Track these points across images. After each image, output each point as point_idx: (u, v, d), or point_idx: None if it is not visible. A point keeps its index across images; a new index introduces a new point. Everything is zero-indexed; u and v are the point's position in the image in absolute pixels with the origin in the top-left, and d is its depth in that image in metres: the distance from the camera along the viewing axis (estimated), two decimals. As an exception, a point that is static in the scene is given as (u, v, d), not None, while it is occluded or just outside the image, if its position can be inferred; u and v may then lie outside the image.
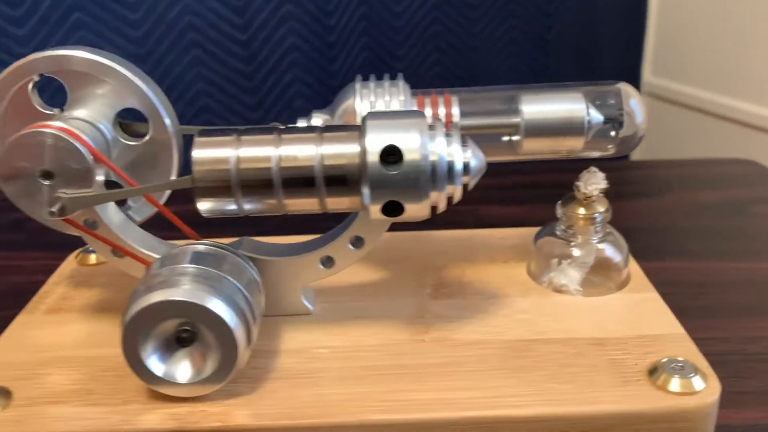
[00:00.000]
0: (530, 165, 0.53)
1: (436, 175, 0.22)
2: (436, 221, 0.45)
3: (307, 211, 0.24)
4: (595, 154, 0.29)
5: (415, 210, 0.23)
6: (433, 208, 0.23)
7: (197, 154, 0.22)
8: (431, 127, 0.23)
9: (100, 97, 0.26)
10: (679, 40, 0.86)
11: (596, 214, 0.29)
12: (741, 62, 0.79)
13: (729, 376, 0.29)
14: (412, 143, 0.22)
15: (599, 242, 0.29)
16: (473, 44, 0.73)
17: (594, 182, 0.29)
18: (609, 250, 0.29)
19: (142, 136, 0.27)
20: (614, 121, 0.28)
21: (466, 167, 0.23)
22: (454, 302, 0.28)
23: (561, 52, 0.77)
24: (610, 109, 0.28)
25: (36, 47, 0.57)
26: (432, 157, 0.22)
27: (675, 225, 0.43)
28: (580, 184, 0.29)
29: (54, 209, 0.24)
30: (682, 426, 0.22)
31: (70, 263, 0.33)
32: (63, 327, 0.28)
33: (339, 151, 0.22)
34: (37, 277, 0.39)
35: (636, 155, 0.92)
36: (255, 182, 0.22)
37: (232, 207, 0.23)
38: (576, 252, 0.29)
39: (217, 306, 0.22)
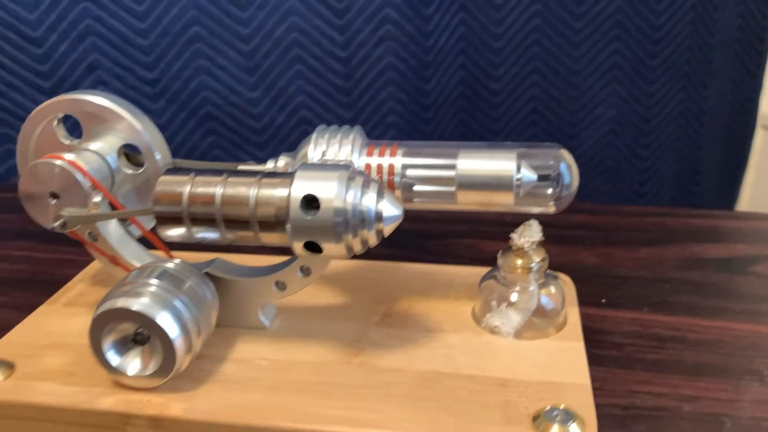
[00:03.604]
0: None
1: (348, 222, 0.26)
2: (433, 251, 0.48)
3: (247, 243, 0.28)
4: (535, 210, 0.31)
5: (332, 250, 0.26)
6: (353, 250, 0.27)
7: (158, 189, 0.27)
8: (351, 179, 0.26)
9: (108, 134, 0.32)
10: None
11: (532, 264, 0.31)
12: None
13: (651, 431, 0.30)
14: (329, 193, 0.26)
15: (536, 289, 0.32)
16: (574, 68, 0.72)
17: (528, 235, 0.31)
18: (544, 298, 0.32)
19: (143, 165, 0.32)
20: (549, 180, 0.30)
21: (379, 216, 0.26)
22: (393, 332, 0.32)
23: (667, 79, 0.74)
24: (547, 169, 0.30)
25: (158, 56, 0.65)
26: (347, 206, 0.26)
27: (665, 276, 0.44)
28: (515, 236, 0.31)
29: (57, 224, 0.29)
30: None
31: (96, 264, 0.39)
32: (72, 318, 0.34)
33: (270, 195, 0.27)
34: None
35: (747, 192, 0.88)
36: (201, 217, 0.27)
37: (185, 235, 0.28)
38: (514, 297, 0.32)
39: (164, 319, 0.26)
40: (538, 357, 0.30)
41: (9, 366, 0.30)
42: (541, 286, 0.32)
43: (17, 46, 0.61)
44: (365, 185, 0.26)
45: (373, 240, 0.27)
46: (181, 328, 0.27)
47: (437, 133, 0.75)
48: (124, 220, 0.33)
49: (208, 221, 0.27)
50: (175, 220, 0.27)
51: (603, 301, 0.41)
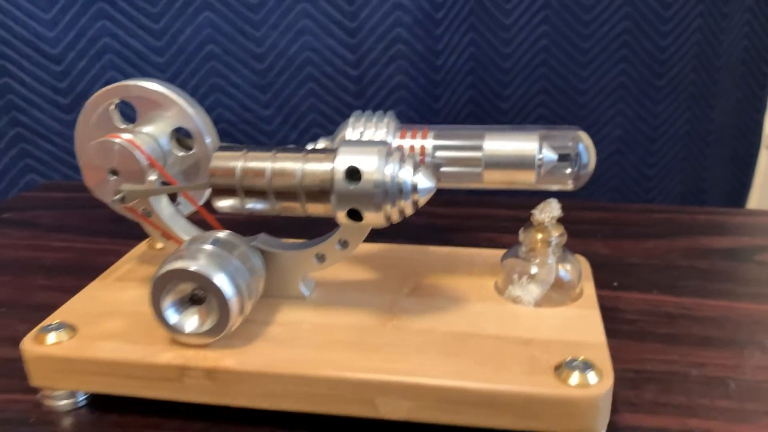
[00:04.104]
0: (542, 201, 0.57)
1: (387, 192, 0.29)
2: (456, 242, 0.51)
3: (294, 214, 0.31)
4: (555, 187, 0.34)
5: (372, 218, 0.29)
6: (391, 219, 0.30)
7: (214, 164, 0.30)
8: (389, 154, 0.29)
9: (161, 118, 0.35)
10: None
11: (551, 239, 0.34)
12: None
13: (662, 390, 0.33)
14: (370, 166, 0.29)
15: (554, 263, 0.34)
16: (581, 88, 0.74)
17: (548, 211, 0.34)
18: (561, 271, 0.34)
19: (192, 149, 0.35)
20: (568, 160, 0.33)
21: (415, 188, 0.29)
22: (422, 301, 0.34)
23: (673, 99, 0.76)
24: (566, 150, 0.33)
25: (174, 73, 0.67)
26: (386, 178, 0.29)
27: (673, 264, 0.46)
28: (536, 212, 0.34)
29: (117, 198, 0.32)
30: (571, 411, 0.27)
31: (141, 247, 0.42)
32: (124, 291, 0.36)
33: (316, 168, 0.29)
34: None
35: (751, 205, 0.89)
36: (253, 188, 0.30)
37: (237, 206, 0.31)
38: (534, 270, 0.34)
39: (221, 279, 0.29)
40: (558, 321, 0.32)
41: (72, 328, 0.32)
42: (559, 260, 0.35)
43: (37, 63, 0.64)
44: (402, 160, 0.29)
45: (409, 209, 0.29)
46: (235, 289, 0.29)
47: None
48: (173, 199, 0.36)
49: (259, 193, 0.30)
50: (229, 191, 0.30)
51: (615, 284, 0.43)
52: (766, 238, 0.51)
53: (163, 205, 0.34)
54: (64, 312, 0.34)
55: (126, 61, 0.66)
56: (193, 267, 0.29)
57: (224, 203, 0.31)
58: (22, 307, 0.42)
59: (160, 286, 0.30)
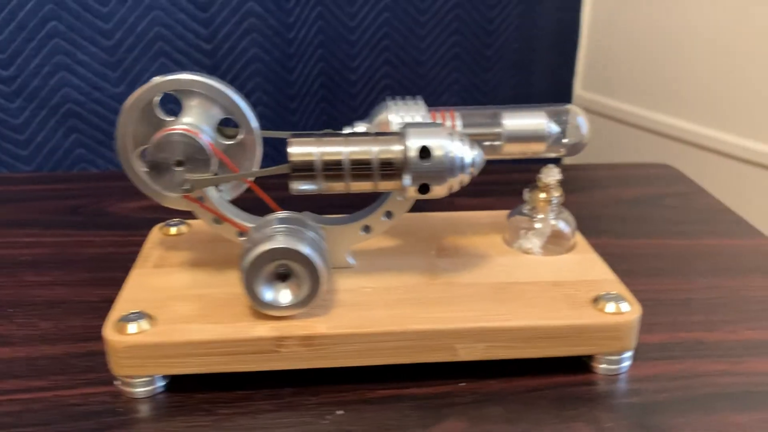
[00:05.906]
0: (493, 167, 0.64)
1: (453, 166, 0.33)
2: (422, 207, 0.56)
3: (364, 191, 0.34)
4: (552, 155, 0.40)
5: (437, 190, 0.34)
6: (452, 189, 0.34)
7: (293, 149, 0.33)
8: (451, 134, 0.34)
9: (206, 109, 0.36)
10: (608, 59, 0.99)
11: (553, 198, 0.41)
12: (662, 78, 0.93)
13: (646, 314, 0.41)
14: (439, 145, 0.33)
15: (554, 219, 0.41)
16: (420, 59, 0.80)
17: (551, 175, 0.40)
18: (561, 224, 0.41)
19: (234, 137, 0.37)
20: (566, 132, 0.40)
21: (473, 162, 0.34)
22: (453, 260, 0.40)
23: (500, 67, 0.85)
24: (564, 123, 0.40)
25: (13, 53, 0.63)
26: (452, 155, 0.33)
27: (601, 213, 0.56)
28: (541, 176, 0.40)
29: (185, 187, 0.34)
30: (614, 335, 0.34)
31: (156, 234, 0.43)
32: (171, 276, 0.38)
33: (388, 149, 0.33)
34: (108, 249, 0.48)
35: (569, 160, 1.03)
36: (331, 169, 0.33)
37: (314, 187, 0.34)
38: (537, 225, 0.41)
39: (308, 251, 0.32)
40: (571, 265, 0.39)
41: (149, 317, 0.33)
42: (558, 216, 0.41)
43: None
44: (461, 138, 0.34)
45: (466, 180, 0.34)
46: (321, 259, 0.33)
47: (302, 123, 0.80)
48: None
49: (336, 173, 0.33)
50: (307, 174, 0.33)
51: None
52: (663, 187, 0.62)
53: (212, 192, 0.36)
54: (126, 302, 0.35)
55: None
56: (281, 245, 0.32)
57: (302, 186, 0.34)
58: (32, 305, 0.41)
59: (253, 269, 0.32)
